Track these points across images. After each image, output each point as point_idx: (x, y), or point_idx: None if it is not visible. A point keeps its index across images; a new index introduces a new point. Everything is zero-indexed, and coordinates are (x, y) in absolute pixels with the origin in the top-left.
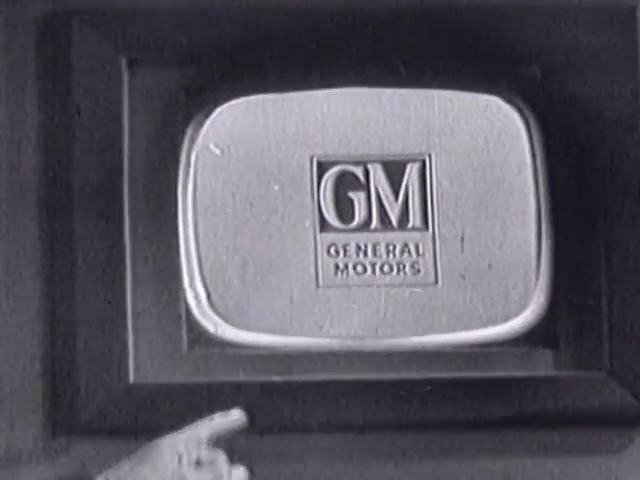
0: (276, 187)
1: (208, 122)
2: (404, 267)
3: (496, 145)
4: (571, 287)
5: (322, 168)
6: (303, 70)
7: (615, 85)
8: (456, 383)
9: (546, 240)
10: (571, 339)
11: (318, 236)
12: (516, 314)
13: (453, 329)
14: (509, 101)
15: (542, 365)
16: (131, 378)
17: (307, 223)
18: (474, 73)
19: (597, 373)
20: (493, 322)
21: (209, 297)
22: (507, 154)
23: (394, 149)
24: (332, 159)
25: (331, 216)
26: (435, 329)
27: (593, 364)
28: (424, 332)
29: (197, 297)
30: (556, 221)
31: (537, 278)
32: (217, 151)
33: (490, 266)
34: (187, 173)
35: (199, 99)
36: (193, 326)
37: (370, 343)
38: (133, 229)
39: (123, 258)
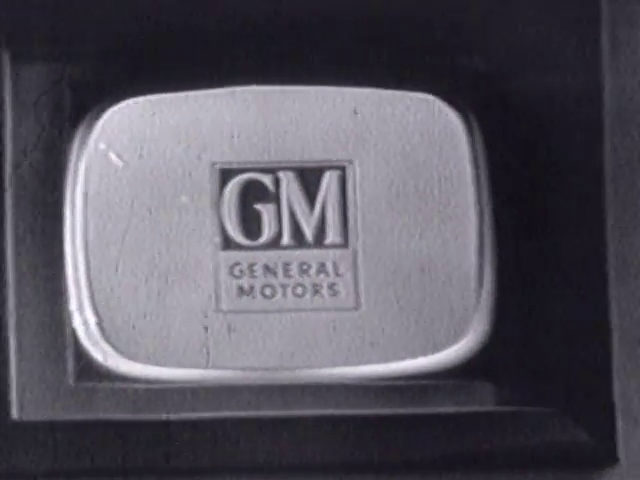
0: (173, 199)
1: (99, 125)
2: (320, 289)
3: (431, 150)
4: (516, 311)
5: (225, 176)
6: (205, 66)
7: (572, 82)
8: (381, 421)
9: (488, 258)
10: (515, 371)
11: (220, 254)
12: (452, 342)
13: (378, 359)
14: (447, 99)
15: (482, 400)
16: (14, 414)
17: (208, 239)
18: (404, 67)
19: (545, 409)
20: (425, 351)
21: (99, 323)
22: (444, 160)
23: (310, 155)
24: (237, 166)
25: (235, 231)
26: (357, 360)
27: (541, 399)
28: (344, 363)
29: (86, 323)
30: (500, 237)
31: (477, 301)
32: (114, 159)
33: (421, 288)
34: (75, 181)
35: (89, 98)
36: (82, 356)
37: (282, 376)
38: (15, 245)
39: (3, 278)
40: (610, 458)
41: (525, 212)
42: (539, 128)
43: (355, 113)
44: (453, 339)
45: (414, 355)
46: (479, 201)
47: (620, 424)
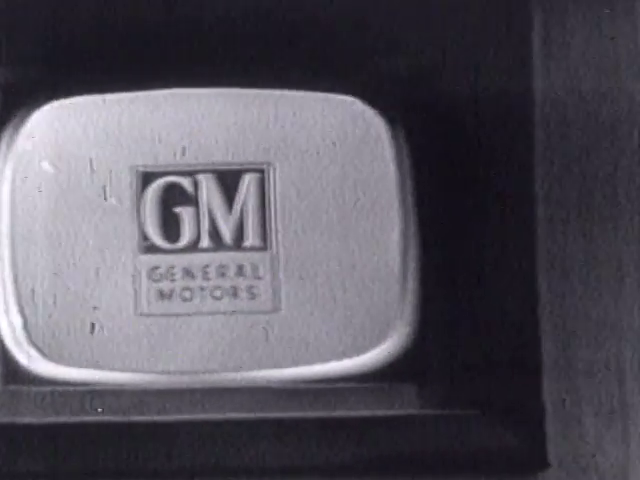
0: (95, 201)
1: (25, 127)
2: (240, 292)
3: (353, 152)
4: (440, 315)
5: (146, 180)
6: (128, 69)
7: (501, 84)
8: (303, 424)
9: (411, 261)
10: (441, 373)
11: (139, 258)
12: (374, 345)
13: (298, 362)
14: (370, 102)
15: (406, 403)
16: None
17: (127, 243)
18: (326, 69)
19: (473, 412)
20: (347, 354)
21: (25, 326)
22: (366, 163)
23: (229, 158)
24: (157, 169)
25: (155, 235)
26: (278, 362)
27: (468, 402)
28: (264, 366)
29: (12, 325)
30: (424, 240)
31: (400, 304)
32: (40, 161)
33: (343, 291)
34: (2, 184)
35: (15, 101)
36: (9, 359)
37: (202, 379)
38: None
39: None
40: (540, 463)
41: (451, 215)
42: (466, 131)
43: (275, 115)
44: (376, 342)
45: (335, 358)
46: (403, 204)
47: (550, 427)
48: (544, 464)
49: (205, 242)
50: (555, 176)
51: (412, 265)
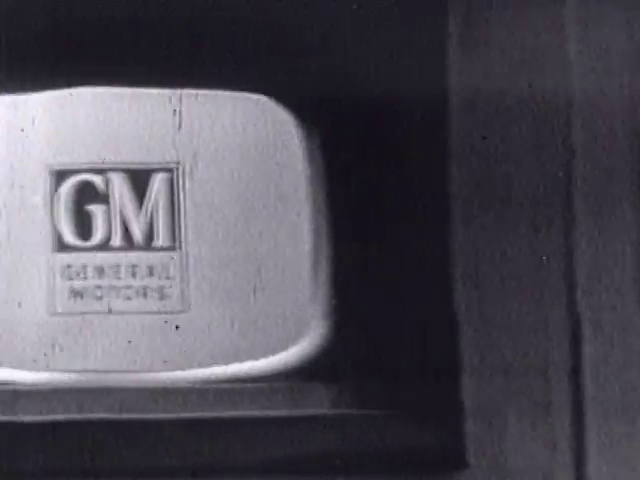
0: (10, 201)
1: None
2: (150, 292)
3: (264, 152)
4: (356, 315)
5: (59, 178)
6: (43, 68)
7: (416, 83)
8: (214, 424)
9: (324, 261)
10: (356, 373)
11: (52, 256)
12: (287, 345)
13: (210, 362)
14: (282, 101)
15: (320, 403)
16: None
17: (40, 241)
18: (238, 68)
19: (390, 412)
20: (260, 354)
21: None
22: (279, 163)
23: (141, 157)
24: (70, 167)
25: (68, 233)
26: (188, 363)
27: (383, 401)
28: (175, 366)
29: None
30: (337, 239)
31: (314, 304)
32: None
33: (255, 291)
34: None
35: None
36: None
37: (113, 378)
38: None
39: None
40: (459, 463)
41: (364, 213)
42: (380, 130)
43: (187, 114)
44: (290, 341)
45: (248, 358)
46: (315, 203)
47: (469, 427)
48: (463, 464)
49: (116, 241)
50: (472, 175)
51: (325, 265)
